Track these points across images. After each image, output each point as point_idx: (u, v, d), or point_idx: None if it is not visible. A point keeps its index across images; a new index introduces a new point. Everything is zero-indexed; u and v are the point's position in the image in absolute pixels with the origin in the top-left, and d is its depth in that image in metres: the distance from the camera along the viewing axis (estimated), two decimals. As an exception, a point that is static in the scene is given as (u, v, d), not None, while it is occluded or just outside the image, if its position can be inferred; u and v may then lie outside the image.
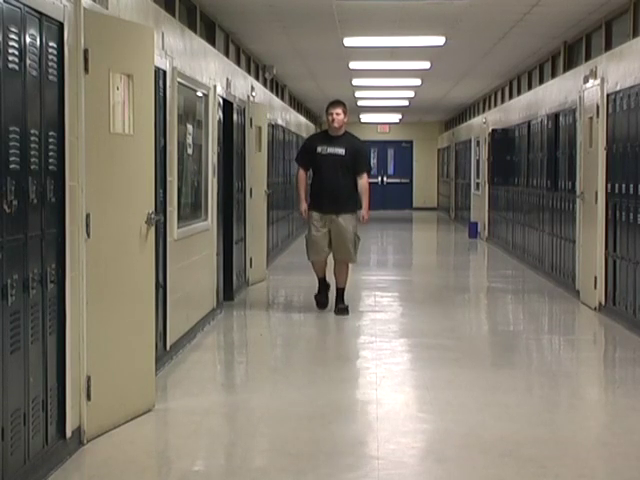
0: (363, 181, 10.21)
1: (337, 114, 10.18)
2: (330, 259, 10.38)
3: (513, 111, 17.09)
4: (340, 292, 10.38)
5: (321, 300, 10.55)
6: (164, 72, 7.62)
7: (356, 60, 15.51)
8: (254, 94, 13.20)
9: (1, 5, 4.31)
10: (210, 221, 9.81)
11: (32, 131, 4.71)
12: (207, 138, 9.77)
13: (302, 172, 10.50)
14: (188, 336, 8.54)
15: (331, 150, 10.13)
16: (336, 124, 10.19)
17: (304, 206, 10.30)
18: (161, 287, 7.53)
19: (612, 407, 6.78)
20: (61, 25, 5.09)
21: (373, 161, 35.00)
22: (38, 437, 4.85)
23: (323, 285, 10.56)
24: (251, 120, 12.60)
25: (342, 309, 10.28)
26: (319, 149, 10.19)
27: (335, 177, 10.09)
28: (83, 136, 5.36)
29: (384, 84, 19.89)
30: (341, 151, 10.11)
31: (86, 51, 5.42)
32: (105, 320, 5.67)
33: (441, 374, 7.44)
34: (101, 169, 5.61)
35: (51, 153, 5.00)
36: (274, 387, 7.05)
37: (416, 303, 11.59)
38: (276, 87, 18.45)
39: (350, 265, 10.48)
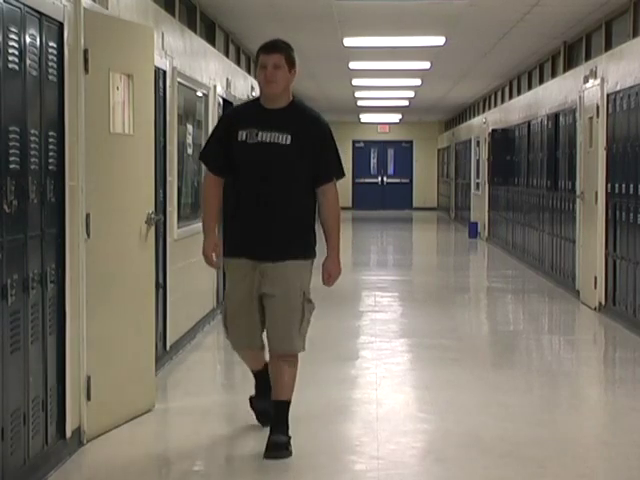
0: (329, 196, 5.39)
1: (275, 66, 5.31)
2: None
3: (513, 111, 17.09)
4: (280, 410, 5.40)
5: (259, 407, 5.80)
6: (164, 72, 7.62)
7: (356, 60, 15.51)
8: (254, 94, 13.20)
9: (1, 5, 4.31)
10: (210, 221, 9.79)
11: (32, 131, 4.71)
12: (207, 138, 9.76)
13: (212, 179, 5.48)
14: (188, 336, 8.54)
15: (266, 136, 5.30)
16: (274, 87, 5.32)
17: (212, 244, 5.45)
18: (161, 287, 7.53)
19: (612, 407, 6.78)
20: (61, 25, 5.10)
21: (373, 161, 34.97)
22: (38, 437, 4.84)
23: (262, 382, 5.74)
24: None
25: (279, 444, 5.27)
26: (242, 134, 5.33)
27: (272, 189, 5.30)
28: (83, 136, 5.37)
29: (384, 84, 19.89)
30: (284, 138, 5.29)
31: (86, 51, 5.42)
32: (105, 320, 5.67)
33: (441, 374, 7.44)
34: (101, 169, 5.61)
35: (51, 153, 5.00)
36: (274, 387, 7.04)
37: (416, 303, 11.58)
38: (276, 87, 18.43)
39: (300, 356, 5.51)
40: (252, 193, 5.32)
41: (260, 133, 5.31)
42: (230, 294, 5.48)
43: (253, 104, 5.59)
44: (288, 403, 5.40)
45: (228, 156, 5.38)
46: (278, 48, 5.38)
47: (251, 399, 5.87)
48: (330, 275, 5.44)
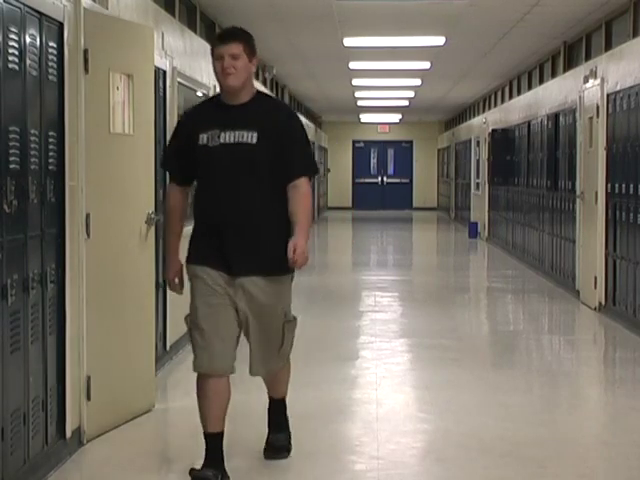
0: (301, 190, 4.74)
1: (232, 56, 4.74)
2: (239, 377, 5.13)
3: (513, 111, 17.09)
4: (278, 410, 5.25)
5: (199, 474, 4.71)
6: (164, 72, 7.62)
7: (356, 60, 15.52)
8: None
9: (1, 5, 4.31)
10: (210, 221, 9.80)
11: (32, 131, 4.71)
12: (207, 138, 9.76)
13: (176, 190, 4.93)
14: (188, 336, 8.52)
15: (229, 136, 4.73)
16: (233, 79, 4.74)
17: (174, 268, 4.92)
18: (161, 287, 7.53)
19: (612, 407, 6.79)
20: (61, 25, 5.10)
21: (373, 161, 34.96)
22: (38, 437, 4.85)
23: (215, 446, 4.79)
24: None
25: (278, 445, 5.22)
26: (203, 137, 4.76)
27: (240, 195, 4.73)
28: (83, 136, 5.37)
29: (384, 84, 19.90)
30: (249, 136, 4.72)
31: (86, 51, 5.42)
32: (105, 320, 5.67)
33: (441, 374, 7.44)
34: (101, 169, 5.61)
35: (51, 153, 5.00)
36: (274, 387, 7.04)
37: (416, 303, 11.58)
38: (276, 87, 18.45)
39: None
40: (219, 201, 4.72)
41: (222, 134, 4.72)
42: (201, 301, 4.78)
43: (212, 102, 5.04)
44: (284, 401, 5.25)
45: (191, 163, 4.79)
46: (235, 36, 4.80)
47: (193, 472, 4.73)
48: (295, 248, 4.63)
